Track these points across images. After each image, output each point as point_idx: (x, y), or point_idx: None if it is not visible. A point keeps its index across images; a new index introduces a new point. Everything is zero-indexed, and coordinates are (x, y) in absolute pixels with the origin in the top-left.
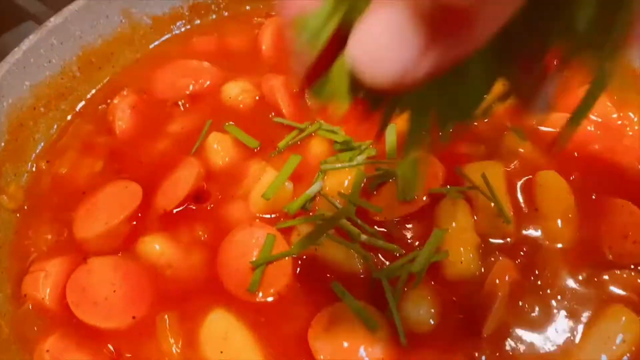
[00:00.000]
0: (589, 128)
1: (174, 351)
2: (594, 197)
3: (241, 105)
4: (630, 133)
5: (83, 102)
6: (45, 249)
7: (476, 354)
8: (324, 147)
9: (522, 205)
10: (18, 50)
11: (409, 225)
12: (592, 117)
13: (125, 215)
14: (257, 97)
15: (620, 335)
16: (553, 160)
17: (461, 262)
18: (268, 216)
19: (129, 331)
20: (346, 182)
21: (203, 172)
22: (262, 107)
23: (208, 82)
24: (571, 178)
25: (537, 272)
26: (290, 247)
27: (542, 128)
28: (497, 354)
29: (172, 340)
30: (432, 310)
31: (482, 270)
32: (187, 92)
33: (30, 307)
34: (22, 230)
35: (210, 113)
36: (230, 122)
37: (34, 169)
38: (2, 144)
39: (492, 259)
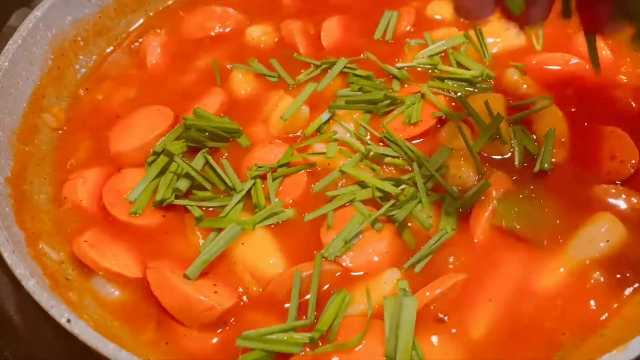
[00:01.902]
0: (586, 67)
1: (200, 243)
2: (586, 124)
3: (262, 46)
4: (623, 69)
5: (118, 40)
6: (82, 162)
7: (468, 255)
8: (340, 80)
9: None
10: None
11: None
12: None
13: (159, 132)
14: (276, 39)
15: (605, 238)
16: (550, 92)
17: (459, 177)
18: (286, 137)
19: (159, 227)
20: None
21: (227, 100)
22: (281, 47)
23: (232, 26)
24: (572, 110)
25: (531, 186)
26: (305, 163)
27: (540, 66)
28: (488, 255)
29: (199, 234)
30: (431, 215)
31: None
32: (213, 34)
33: (69, 207)
34: (63, 145)
35: (234, 52)
36: (253, 58)
37: (74, 94)
38: (46, 70)
39: (490, 174)
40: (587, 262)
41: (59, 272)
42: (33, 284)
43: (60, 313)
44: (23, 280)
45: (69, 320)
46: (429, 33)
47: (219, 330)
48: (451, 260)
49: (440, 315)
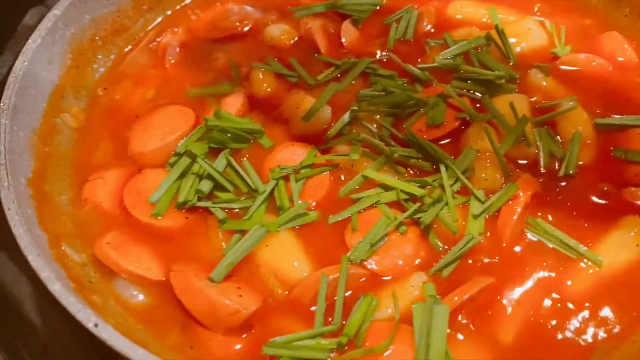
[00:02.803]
0: (609, 69)
1: (223, 245)
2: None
3: (281, 45)
4: None
5: (136, 39)
6: (102, 162)
7: (496, 259)
8: (361, 80)
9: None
10: None
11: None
12: (619, 58)
13: (181, 133)
14: (296, 38)
15: (635, 242)
16: (574, 93)
17: (486, 179)
18: (308, 137)
19: (182, 229)
20: (380, 109)
21: (247, 101)
22: (300, 46)
23: (250, 25)
24: (597, 111)
25: (557, 189)
26: (328, 164)
27: (564, 67)
28: (517, 259)
29: (221, 236)
30: (457, 219)
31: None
32: (232, 33)
33: (90, 208)
34: (83, 145)
35: (253, 51)
36: (273, 58)
37: (92, 94)
38: (65, 69)
39: (516, 176)
40: (617, 267)
41: (82, 274)
42: (59, 288)
43: (88, 317)
44: (49, 284)
45: (96, 325)
46: (448, 33)
47: (244, 335)
48: (479, 264)
49: (466, 320)
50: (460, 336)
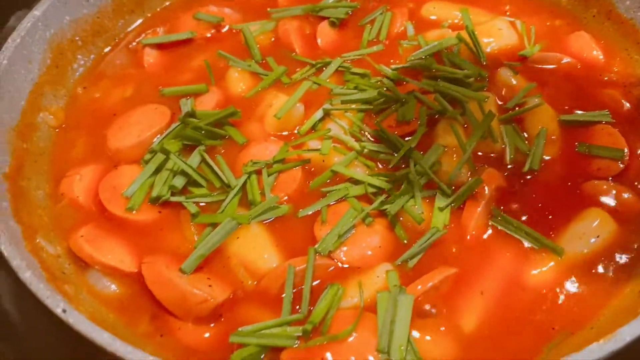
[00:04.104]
0: (578, 66)
1: (195, 238)
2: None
3: (258, 45)
4: (616, 69)
5: (116, 40)
6: (80, 159)
7: (460, 250)
8: (335, 79)
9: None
10: None
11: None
12: (586, 57)
13: (156, 130)
14: (272, 39)
15: (595, 233)
16: (542, 91)
17: (452, 173)
18: (281, 134)
19: (155, 223)
20: (353, 106)
21: (223, 99)
22: (277, 47)
23: (228, 26)
24: (565, 108)
25: (522, 181)
26: (300, 159)
27: (533, 65)
28: (480, 251)
29: (193, 229)
30: (423, 211)
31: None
32: (209, 34)
33: (66, 203)
34: (60, 142)
35: (230, 51)
36: (250, 59)
37: (71, 93)
38: (44, 69)
39: (482, 170)
40: (578, 257)
41: (56, 265)
42: (29, 276)
43: (56, 303)
44: (19, 271)
45: (64, 311)
46: (422, 35)
47: (212, 324)
48: (444, 255)
49: (430, 308)
50: (423, 325)
